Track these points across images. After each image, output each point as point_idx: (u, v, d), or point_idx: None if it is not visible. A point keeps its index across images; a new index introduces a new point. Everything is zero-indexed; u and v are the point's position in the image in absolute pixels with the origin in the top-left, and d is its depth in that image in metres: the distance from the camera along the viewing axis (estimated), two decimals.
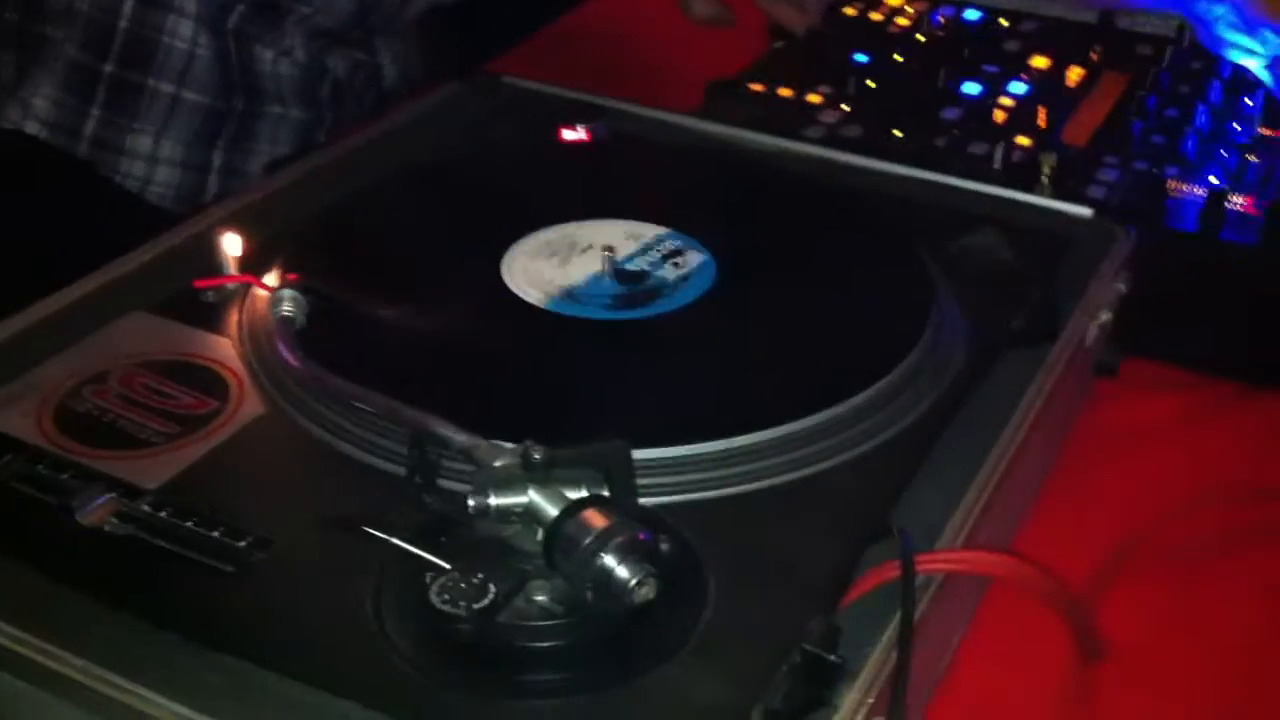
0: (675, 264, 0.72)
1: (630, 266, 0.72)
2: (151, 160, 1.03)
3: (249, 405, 0.62)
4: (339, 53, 1.12)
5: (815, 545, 0.54)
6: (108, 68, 1.01)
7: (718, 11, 1.14)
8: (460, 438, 0.54)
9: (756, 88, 1.02)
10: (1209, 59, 1.06)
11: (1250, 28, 0.93)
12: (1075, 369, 0.73)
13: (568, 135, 0.87)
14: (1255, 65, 0.96)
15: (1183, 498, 0.76)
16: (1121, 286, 0.77)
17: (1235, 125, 0.97)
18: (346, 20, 1.08)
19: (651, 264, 0.72)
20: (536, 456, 0.50)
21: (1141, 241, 0.81)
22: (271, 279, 0.68)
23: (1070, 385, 0.73)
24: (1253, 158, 0.93)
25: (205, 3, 1.00)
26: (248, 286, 0.69)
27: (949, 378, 0.66)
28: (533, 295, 0.69)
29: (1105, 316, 0.74)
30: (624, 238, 0.74)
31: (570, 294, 0.69)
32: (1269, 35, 0.93)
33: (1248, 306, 0.84)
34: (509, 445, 0.52)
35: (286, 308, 0.65)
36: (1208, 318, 0.85)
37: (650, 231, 0.75)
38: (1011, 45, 1.11)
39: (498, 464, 0.51)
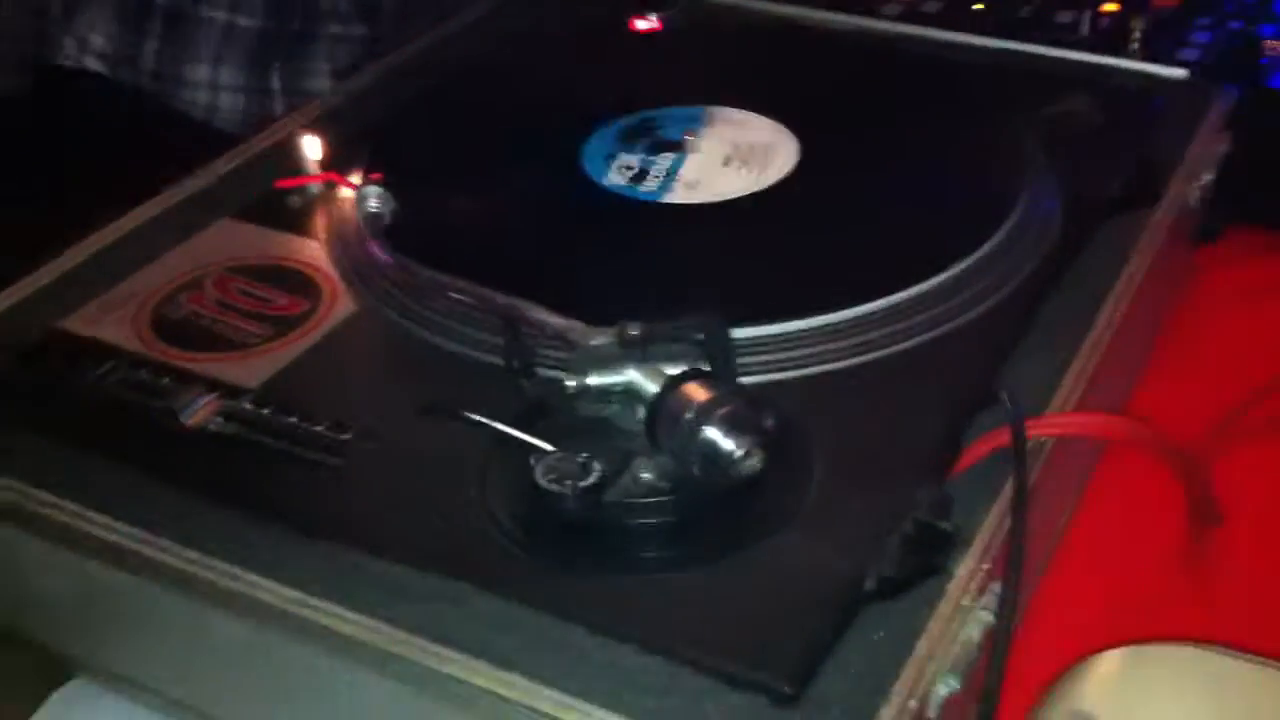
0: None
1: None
2: (213, 88, 1.03)
3: (341, 304, 0.62)
4: None
5: (923, 417, 0.53)
6: None
7: None
8: (555, 320, 0.53)
9: None
10: None
11: None
12: (1178, 233, 0.71)
13: (640, 25, 0.85)
14: None
15: None
16: (1223, 147, 0.74)
17: None
18: None
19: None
20: (633, 333, 0.49)
21: (1239, 101, 0.78)
22: (355, 178, 0.68)
23: (1174, 250, 0.71)
24: None
25: None
26: (332, 186, 0.68)
27: (1049, 245, 0.64)
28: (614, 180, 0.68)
29: (1207, 178, 0.72)
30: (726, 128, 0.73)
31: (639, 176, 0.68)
32: None
33: None
34: (605, 328, 0.51)
35: (373, 204, 0.64)
36: None
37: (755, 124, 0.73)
38: None
39: (594, 343, 0.50)
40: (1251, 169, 0.79)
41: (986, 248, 0.62)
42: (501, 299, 0.55)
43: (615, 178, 0.68)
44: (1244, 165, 0.78)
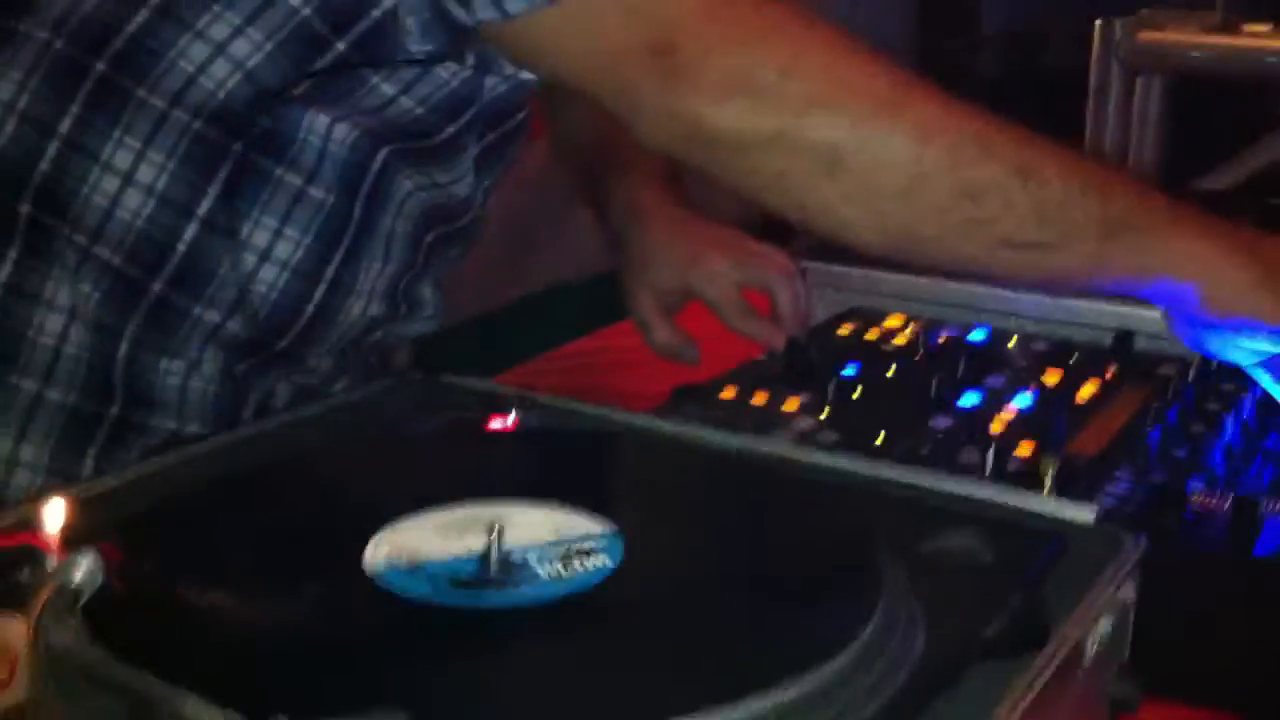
0: (577, 562, 0.60)
1: (515, 554, 0.59)
2: (10, 463, 0.90)
3: (14, 690, 0.50)
4: (275, 373, 0.98)
5: None
6: None
7: (680, 344, 1.07)
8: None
9: (727, 394, 0.92)
10: (1243, 377, 0.95)
11: (1221, 323, 0.80)
12: (1072, 692, 0.59)
13: (494, 424, 0.77)
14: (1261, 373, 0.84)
15: None
16: (1127, 596, 0.63)
17: (1275, 437, 0.85)
18: (262, 330, 0.93)
19: (544, 557, 0.60)
20: None
21: (1161, 561, 0.68)
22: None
23: (1069, 711, 0.59)
24: None
25: (85, 300, 0.89)
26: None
27: (897, 688, 0.53)
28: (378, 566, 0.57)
29: (1105, 626, 0.61)
30: (542, 528, 0.62)
31: (418, 568, 0.57)
32: (1249, 332, 0.80)
33: None
34: None
35: (76, 575, 0.53)
36: (1245, 650, 0.71)
37: (579, 527, 0.63)
38: (1020, 362, 1.01)
39: None
40: (1171, 636, 0.68)
41: (810, 682, 0.50)
42: (161, 688, 0.43)
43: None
44: (1164, 631, 0.67)
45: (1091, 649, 0.60)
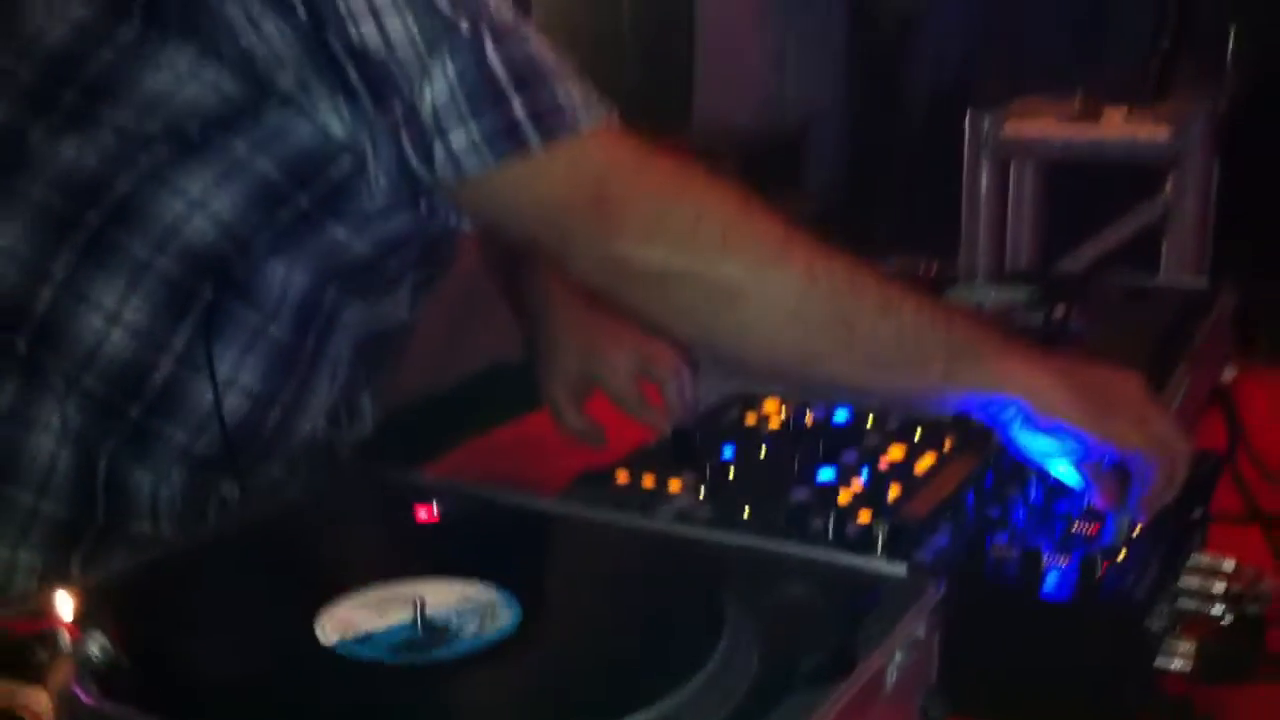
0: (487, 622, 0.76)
1: (438, 617, 0.75)
2: (9, 567, 1.03)
3: None
4: (233, 482, 1.09)
5: None
6: None
7: (589, 427, 1.22)
8: None
9: (621, 478, 1.08)
10: None
11: (1043, 428, 0.98)
12: (878, 712, 0.75)
13: (420, 514, 0.93)
14: (1064, 468, 1.01)
15: None
16: (927, 630, 0.80)
17: (1065, 501, 1.02)
18: (224, 451, 1.05)
19: (461, 618, 0.76)
20: None
21: (968, 602, 0.85)
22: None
23: None
24: (1080, 527, 0.98)
25: (71, 423, 1.02)
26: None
27: (733, 708, 0.69)
28: (331, 638, 0.72)
29: (901, 656, 0.77)
30: (457, 598, 0.78)
31: (365, 638, 0.73)
32: (1064, 436, 0.97)
33: (1070, 669, 0.87)
34: None
35: (94, 651, 0.68)
36: (1032, 674, 0.88)
37: (486, 594, 0.79)
38: (873, 439, 1.18)
39: None
40: (977, 662, 0.85)
41: (666, 703, 0.66)
42: None
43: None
44: (972, 659, 0.84)
45: (892, 675, 0.76)
